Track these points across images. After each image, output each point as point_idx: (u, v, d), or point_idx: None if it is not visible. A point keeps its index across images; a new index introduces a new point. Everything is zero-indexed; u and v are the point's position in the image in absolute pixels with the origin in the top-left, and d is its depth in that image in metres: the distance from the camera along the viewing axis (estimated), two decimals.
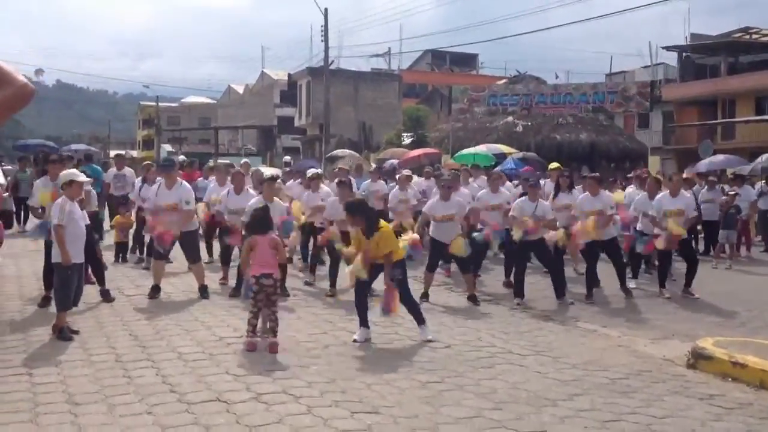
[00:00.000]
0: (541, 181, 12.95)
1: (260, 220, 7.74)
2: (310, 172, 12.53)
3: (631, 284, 11.20)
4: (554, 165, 14.41)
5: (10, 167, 18.38)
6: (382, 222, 8.10)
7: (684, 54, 44.62)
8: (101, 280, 9.67)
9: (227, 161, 19.60)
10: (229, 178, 12.04)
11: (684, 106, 42.15)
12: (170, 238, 9.80)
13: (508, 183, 13.58)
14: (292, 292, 10.35)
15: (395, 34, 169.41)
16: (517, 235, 10.30)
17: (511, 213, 10.53)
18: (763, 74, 37.53)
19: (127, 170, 15.77)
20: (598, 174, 11.82)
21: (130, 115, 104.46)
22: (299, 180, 13.42)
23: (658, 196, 11.11)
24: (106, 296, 9.43)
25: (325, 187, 11.92)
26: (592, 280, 10.67)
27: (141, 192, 12.27)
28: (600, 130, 31.62)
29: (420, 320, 7.92)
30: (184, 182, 10.34)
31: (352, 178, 13.80)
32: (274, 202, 9.88)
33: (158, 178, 10.89)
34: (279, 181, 14.41)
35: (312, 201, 11.49)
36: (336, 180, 11.89)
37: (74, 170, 8.35)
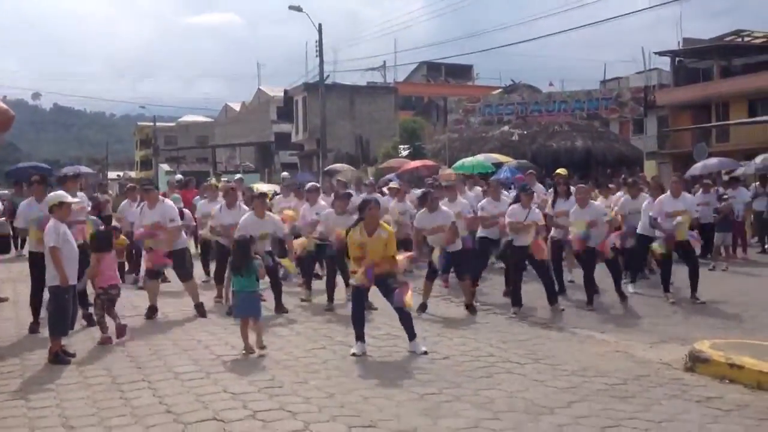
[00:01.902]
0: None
1: (105, 240, 8.70)
2: (309, 185, 12.60)
3: (629, 289, 11.20)
4: (562, 171, 14.67)
5: (6, 191, 18.39)
6: (386, 225, 8.16)
7: (677, 59, 44.73)
8: (85, 304, 9.48)
9: (225, 179, 19.64)
10: (221, 193, 12.15)
11: (678, 111, 42.23)
12: (161, 255, 9.85)
13: (505, 192, 13.58)
14: (291, 308, 10.33)
15: (390, 47, 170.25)
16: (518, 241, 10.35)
17: (506, 219, 10.53)
18: (755, 77, 37.60)
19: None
20: (584, 186, 11.82)
21: (128, 136, 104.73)
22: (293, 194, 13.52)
23: (659, 198, 11.16)
24: (90, 320, 9.28)
25: (322, 201, 11.93)
26: (591, 287, 10.65)
27: (126, 213, 12.42)
28: (595, 136, 31.67)
29: (411, 335, 7.88)
30: (167, 200, 10.53)
31: (351, 192, 13.83)
32: (265, 218, 10.09)
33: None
34: (279, 196, 14.52)
35: (308, 215, 11.51)
36: (334, 193, 11.93)
37: (62, 192, 8.31)
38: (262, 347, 7.72)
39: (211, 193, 13.05)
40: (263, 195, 10.79)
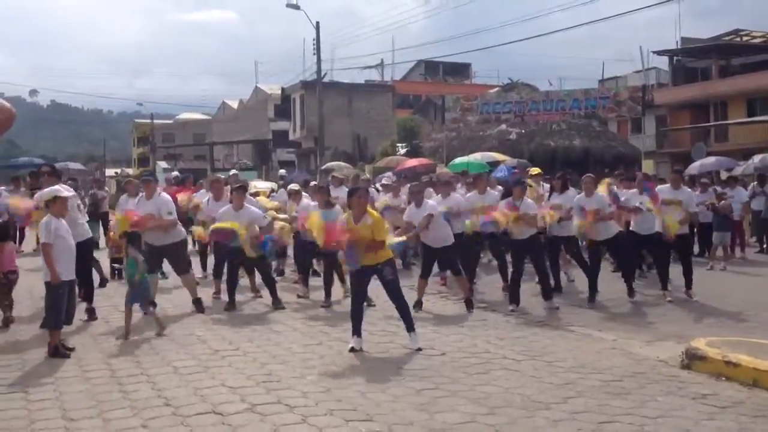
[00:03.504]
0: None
1: (4, 231, 9.63)
2: (291, 186, 12.76)
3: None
4: (535, 170, 14.81)
5: (3, 188, 18.37)
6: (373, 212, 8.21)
7: (675, 58, 44.83)
8: (89, 298, 9.55)
9: (220, 175, 19.64)
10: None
11: (676, 110, 42.31)
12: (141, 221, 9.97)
13: (499, 187, 13.58)
14: (287, 304, 10.36)
15: (388, 46, 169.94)
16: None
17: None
18: (753, 76, 37.72)
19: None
20: (592, 174, 11.85)
21: (125, 134, 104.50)
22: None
23: (658, 187, 11.22)
24: (92, 314, 9.36)
25: (305, 200, 11.90)
26: (595, 283, 10.70)
27: (127, 205, 12.38)
28: (593, 135, 31.69)
29: (410, 327, 7.92)
30: (164, 193, 10.56)
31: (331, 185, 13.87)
32: (243, 209, 10.35)
33: (140, 192, 11.01)
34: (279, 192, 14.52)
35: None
36: (312, 185, 11.94)
37: (57, 186, 8.32)
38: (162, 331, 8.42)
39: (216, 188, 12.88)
40: (241, 188, 10.84)
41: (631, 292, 10.71)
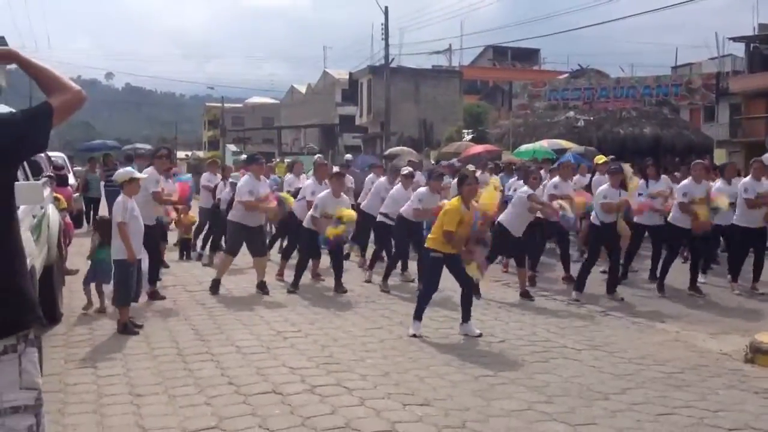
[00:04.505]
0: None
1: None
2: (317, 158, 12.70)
3: (700, 279, 11.05)
4: (601, 158, 14.55)
5: (80, 168, 18.96)
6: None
7: (752, 45, 43.42)
8: (154, 280, 9.71)
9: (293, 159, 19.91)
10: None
11: (752, 98, 41.02)
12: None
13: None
14: (349, 287, 10.47)
15: (456, 31, 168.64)
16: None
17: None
18: None
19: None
20: (700, 161, 11.64)
21: (197, 117, 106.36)
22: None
23: (742, 181, 11.00)
24: (155, 296, 9.55)
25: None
26: (664, 273, 10.60)
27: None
28: (664, 123, 30.93)
29: (467, 316, 7.95)
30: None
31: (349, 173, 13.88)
32: (341, 197, 10.47)
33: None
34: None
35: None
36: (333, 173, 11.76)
37: (130, 168, 8.59)
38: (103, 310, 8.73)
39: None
40: (340, 174, 10.93)
41: (694, 286, 10.61)
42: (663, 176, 12.21)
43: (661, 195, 11.41)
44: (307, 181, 12.16)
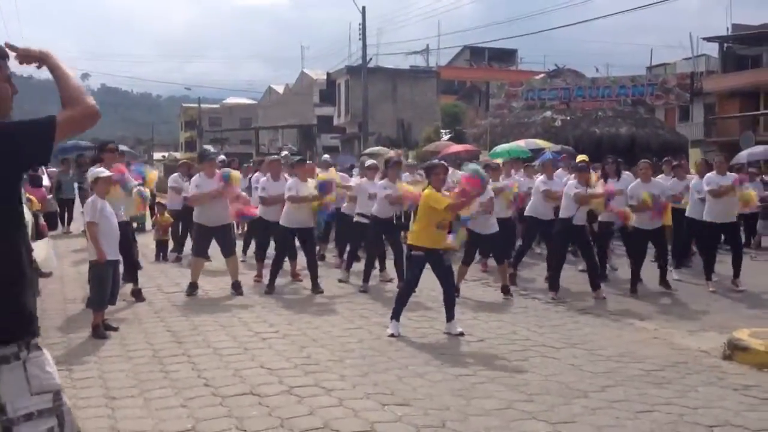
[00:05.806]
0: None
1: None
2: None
3: (673, 275, 11.12)
4: (582, 157, 14.56)
5: (54, 169, 18.79)
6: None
7: (725, 45, 43.82)
8: (134, 280, 9.65)
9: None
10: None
11: (726, 98, 41.39)
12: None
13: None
14: (327, 288, 10.41)
15: (433, 31, 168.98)
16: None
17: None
18: None
19: None
20: (649, 161, 11.68)
21: (173, 118, 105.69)
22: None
23: (706, 175, 11.05)
24: (138, 296, 9.51)
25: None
26: (638, 274, 10.61)
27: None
28: (640, 123, 31.11)
29: (450, 315, 7.92)
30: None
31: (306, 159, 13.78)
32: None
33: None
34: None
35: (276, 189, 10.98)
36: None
37: (100, 168, 8.45)
38: None
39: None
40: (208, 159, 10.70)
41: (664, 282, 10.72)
42: (626, 173, 12.14)
43: (619, 194, 11.12)
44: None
